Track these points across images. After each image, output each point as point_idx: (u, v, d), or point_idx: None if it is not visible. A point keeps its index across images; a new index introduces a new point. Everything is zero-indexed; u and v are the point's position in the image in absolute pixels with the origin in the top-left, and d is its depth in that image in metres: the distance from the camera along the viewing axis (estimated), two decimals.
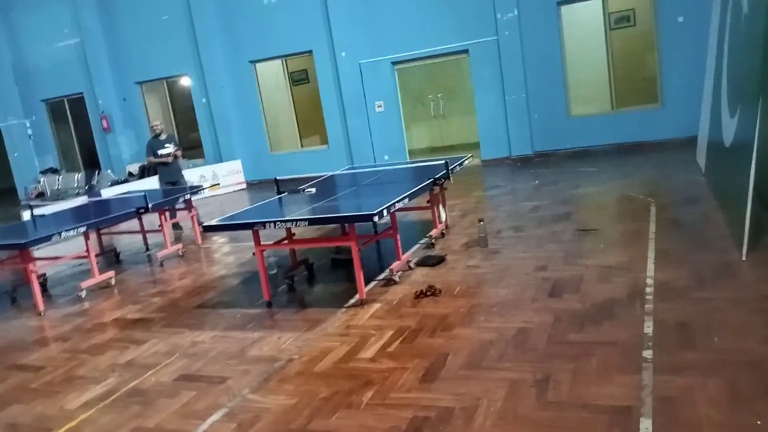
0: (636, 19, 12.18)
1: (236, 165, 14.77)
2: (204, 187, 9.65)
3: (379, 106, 13.75)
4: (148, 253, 8.56)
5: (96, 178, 16.17)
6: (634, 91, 12.26)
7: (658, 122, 11.63)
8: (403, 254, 5.99)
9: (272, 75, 15.10)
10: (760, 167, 4.81)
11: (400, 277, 5.65)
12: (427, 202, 7.07)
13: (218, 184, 13.28)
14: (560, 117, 12.47)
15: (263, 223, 5.32)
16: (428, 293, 5.11)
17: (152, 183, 11.56)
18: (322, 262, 6.66)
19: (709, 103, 8.20)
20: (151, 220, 8.88)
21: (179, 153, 9.98)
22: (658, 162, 10.02)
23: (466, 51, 12.82)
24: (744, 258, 4.81)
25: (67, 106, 17.39)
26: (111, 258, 8.45)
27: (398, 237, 5.88)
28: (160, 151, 9.77)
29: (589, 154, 11.94)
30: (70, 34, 16.31)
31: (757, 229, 4.93)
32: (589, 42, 12.23)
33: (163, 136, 9.92)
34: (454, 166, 7.17)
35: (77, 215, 7.98)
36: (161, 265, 7.65)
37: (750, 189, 4.76)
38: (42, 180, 17.06)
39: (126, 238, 9.56)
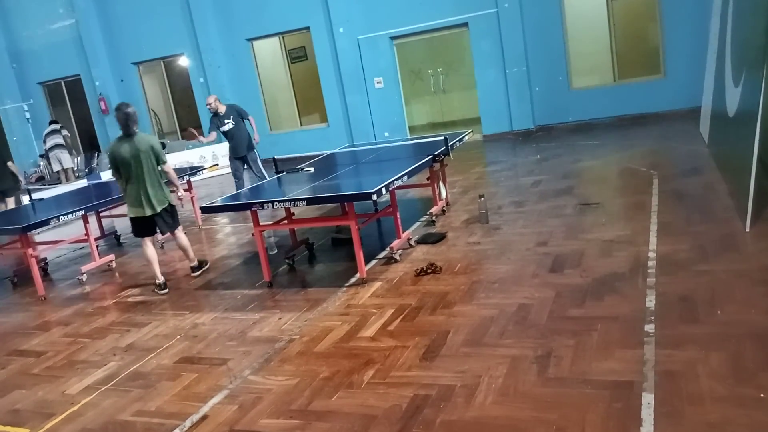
0: None
1: None
2: (204, 167, 9.62)
3: (378, 83, 13.60)
4: None
5: (95, 160, 16.10)
6: (636, 62, 12.07)
7: (660, 93, 11.48)
8: (403, 232, 5.95)
9: (270, 53, 14.92)
10: (765, 137, 4.74)
11: (400, 255, 5.61)
12: (427, 179, 7.01)
13: (218, 164, 13.24)
14: (562, 90, 12.33)
15: (261, 203, 5.29)
16: (429, 271, 5.08)
17: None
18: (322, 241, 6.63)
19: (713, 73, 8.07)
20: None
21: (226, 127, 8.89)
22: (660, 134, 9.91)
23: (465, 24, 12.63)
24: (748, 229, 4.75)
25: (64, 88, 17.25)
26: (112, 241, 8.43)
27: (398, 215, 5.84)
28: (222, 128, 8.93)
29: (590, 127, 11.82)
30: (64, 14, 16.11)
31: (761, 199, 4.86)
32: (591, 12, 12.03)
33: (222, 111, 8.93)
34: (454, 142, 7.10)
35: (77, 198, 7.94)
36: (162, 247, 7.62)
37: (754, 159, 4.69)
38: (42, 164, 16.99)
39: (127, 221, 9.46)
